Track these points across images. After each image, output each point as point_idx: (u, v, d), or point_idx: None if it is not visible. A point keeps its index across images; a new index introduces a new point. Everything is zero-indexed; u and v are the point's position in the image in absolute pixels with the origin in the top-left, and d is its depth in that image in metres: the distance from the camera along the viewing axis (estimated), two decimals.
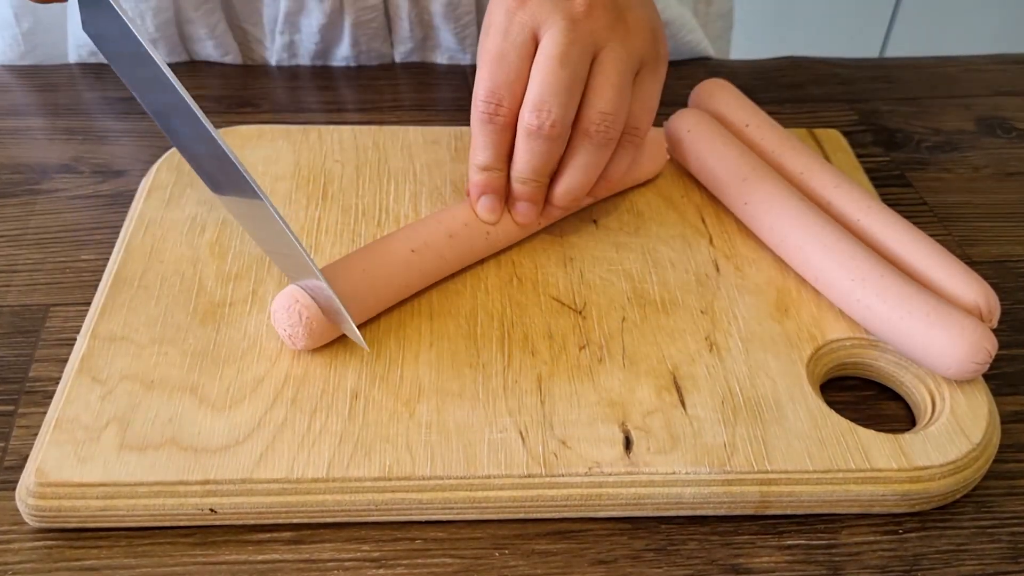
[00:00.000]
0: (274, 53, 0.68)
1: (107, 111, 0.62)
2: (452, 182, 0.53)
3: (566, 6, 0.44)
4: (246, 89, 0.65)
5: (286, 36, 0.67)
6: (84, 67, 0.67)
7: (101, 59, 0.67)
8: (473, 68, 0.69)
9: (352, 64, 0.68)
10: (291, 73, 0.68)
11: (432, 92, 0.66)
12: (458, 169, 0.54)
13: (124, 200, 0.53)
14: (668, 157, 0.54)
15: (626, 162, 0.48)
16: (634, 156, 0.48)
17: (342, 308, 0.41)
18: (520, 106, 0.44)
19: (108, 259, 0.48)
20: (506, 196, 0.47)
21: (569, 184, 0.46)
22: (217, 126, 0.56)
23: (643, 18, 0.46)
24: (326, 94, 0.65)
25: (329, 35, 0.66)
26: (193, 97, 0.67)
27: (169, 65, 0.65)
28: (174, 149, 0.54)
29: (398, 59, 0.69)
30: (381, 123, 0.60)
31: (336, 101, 0.65)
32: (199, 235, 0.49)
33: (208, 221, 0.50)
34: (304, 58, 0.68)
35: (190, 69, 0.67)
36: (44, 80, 0.65)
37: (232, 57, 0.68)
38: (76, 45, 0.67)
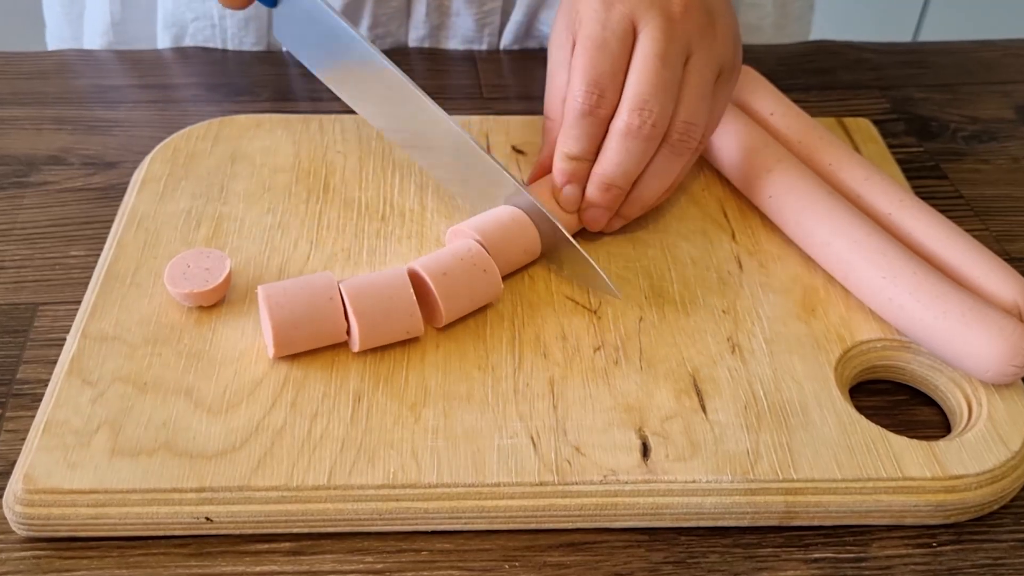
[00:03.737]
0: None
1: (98, 100, 0.62)
2: None
3: (664, 4, 0.45)
4: (244, 76, 0.65)
5: None
6: (73, 53, 0.67)
7: (190, 42, 0.68)
8: (488, 53, 0.69)
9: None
10: (291, 59, 0.68)
11: (441, 79, 0.66)
12: None
13: (116, 193, 0.54)
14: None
15: (686, 171, 0.49)
16: (691, 164, 0.49)
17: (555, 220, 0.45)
18: (619, 97, 0.45)
19: (99, 255, 0.48)
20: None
21: (644, 191, 0.47)
22: (212, 115, 0.57)
23: (730, 25, 0.47)
24: None
25: (349, 16, 0.66)
26: (188, 85, 0.67)
27: (158, 51, 0.66)
28: (167, 141, 0.55)
29: (412, 44, 0.69)
30: None
31: None
32: (194, 230, 0.49)
33: (204, 215, 0.50)
34: None
35: (182, 56, 0.67)
36: (33, 68, 0.65)
37: (261, 46, 0.68)
38: (164, 26, 0.68)
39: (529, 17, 0.69)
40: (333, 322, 0.42)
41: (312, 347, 0.42)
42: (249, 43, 0.67)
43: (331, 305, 0.41)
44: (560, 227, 0.46)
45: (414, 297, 0.42)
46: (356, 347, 0.42)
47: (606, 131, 0.46)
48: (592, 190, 0.47)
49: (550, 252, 0.47)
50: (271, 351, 0.42)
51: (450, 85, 0.65)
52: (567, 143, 0.46)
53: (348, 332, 0.42)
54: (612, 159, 0.46)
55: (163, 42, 0.68)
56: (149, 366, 0.42)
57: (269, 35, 0.68)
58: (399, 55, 0.68)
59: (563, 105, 0.47)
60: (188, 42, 0.68)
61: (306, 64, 0.51)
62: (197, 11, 0.66)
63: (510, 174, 0.47)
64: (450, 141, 0.48)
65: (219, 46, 0.68)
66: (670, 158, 0.46)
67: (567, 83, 0.47)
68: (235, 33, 0.67)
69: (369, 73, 0.48)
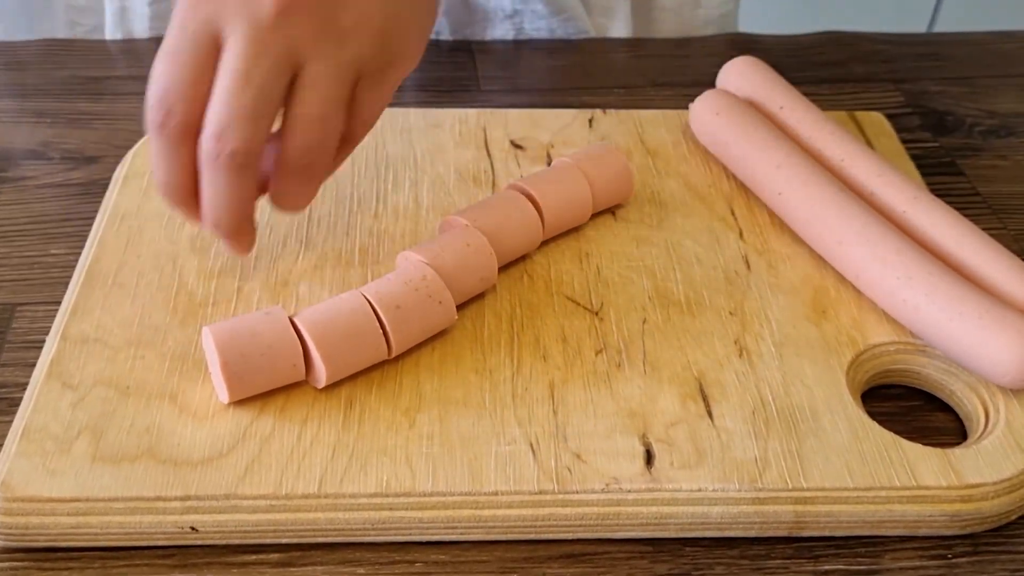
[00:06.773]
0: None
1: (79, 92, 0.62)
2: (456, 170, 0.54)
3: (253, 9, 0.38)
4: None
5: None
6: (57, 43, 0.67)
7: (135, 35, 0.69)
8: (479, 44, 0.69)
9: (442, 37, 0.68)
10: None
11: (438, 71, 0.66)
12: (462, 155, 0.55)
13: (97, 189, 0.54)
14: (632, 190, 0.51)
15: (343, 160, 0.44)
16: (347, 157, 0.44)
17: None
18: (200, 114, 0.39)
19: (80, 254, 0.48)
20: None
21: (283, 204, 0.42)
22: None
23: (366, 15, 0.41)
24: None
25: None
26: None
27: (142, 41, 0.66)
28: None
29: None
30: None
31: None
32: (179, 228, 0.49)
33: None
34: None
35: None
36: (10, 57, 0.65)
37: None
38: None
39: None
40: (293, 364, 0.40)
41: (270, 388, 0.41)
42: None
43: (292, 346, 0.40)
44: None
45: (379, 328, 0.41)
46: (321, 384, 0.41)
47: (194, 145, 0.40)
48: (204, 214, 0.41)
49: None
50: (224, 396, 0.40)
51: (447, 77, 0.65)
52: (154, 165, 0.41)
53: (308, 369, 0.41)
54: (205, 192, 0.40)
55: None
56: (132, 369, 0.42)
57: None
58: None
59: None
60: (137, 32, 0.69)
61: None
62: None
63: None
64: None
65: None
66: (290, 180, 0.41)
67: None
68: None
69: None
